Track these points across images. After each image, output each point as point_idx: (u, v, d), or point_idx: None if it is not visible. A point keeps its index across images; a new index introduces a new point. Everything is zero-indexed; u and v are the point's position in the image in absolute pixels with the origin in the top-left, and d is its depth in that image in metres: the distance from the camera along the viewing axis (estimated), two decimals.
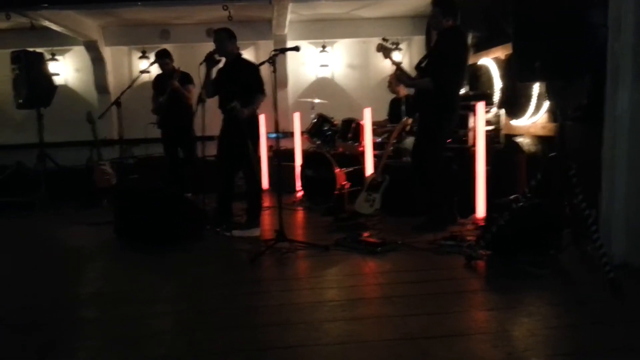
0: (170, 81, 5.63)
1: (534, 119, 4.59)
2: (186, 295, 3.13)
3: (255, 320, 2.63)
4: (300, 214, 5.41)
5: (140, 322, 2.68)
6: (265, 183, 6.88)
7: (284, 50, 4.12)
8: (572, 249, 3.34)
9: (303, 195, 5.94)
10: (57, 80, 7.34)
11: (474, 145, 4.62)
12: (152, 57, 6.06)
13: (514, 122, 4.86)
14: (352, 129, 5.58)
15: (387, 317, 2.62)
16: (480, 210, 4.47)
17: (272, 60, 3.86)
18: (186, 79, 5.78)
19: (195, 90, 5.61)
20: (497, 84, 5.16)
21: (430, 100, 4.14)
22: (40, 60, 6.38)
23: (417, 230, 4.19)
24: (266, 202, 5.85)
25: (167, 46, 7.86)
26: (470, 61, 6.12)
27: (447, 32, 4.15)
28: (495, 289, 3.01)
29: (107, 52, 8.20)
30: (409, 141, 5.20)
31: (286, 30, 7.62)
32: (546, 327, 2.41)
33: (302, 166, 5.94)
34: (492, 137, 4.98)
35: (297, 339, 2.37)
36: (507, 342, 2.28)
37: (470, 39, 6.30)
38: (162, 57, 5.85)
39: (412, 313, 2.62)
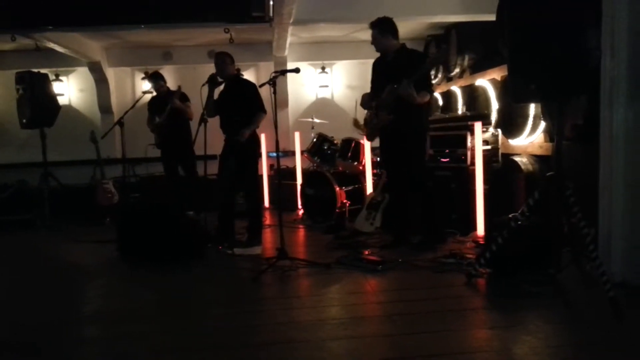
0: (172, 100, 5.71)
1: (531, 139, 4.65)
2: (187, 313, 3.13)
3: (257, 338, 2.63)
4: (301, 232, 5.44)
5: (141, 341, 2.69)
6: (266, 201, 6.93)
7: (284, 71, 4.20)
8: (571, 268, 3.36)
9: (304, 214, 5.98)
10: (61, 100, 7.42)
11: (472, 164, 4.68)
12: (151, 79, 6.17)
13: (512, 142, 4.92)
14: (352, 148, 5.65)
15: (389, 335, 2.63)
16: (480, 228, 4.50)
17: (272, 82, 3.93)
18: (183, 97, 5.88)
19: (194, 109, 5.71)
20: (494, 105, 5.23)
21: (409, 119, 4.15)
22: (44, 81, 6.47)
23: (417, 249, 4.21)
24: (267, 220, 5.89)
25: (169, 67, 8.05)
26: (467, 82, 6.24)
27: (406, 50, 4.23)
28: (495, 308, 3.02)
29: (111, 73, 8.31)
30: None
31: (286, 52, 7.74)
32: (547, 345, 2.41)
33: (303, 185, 6.00)
34: (490, 157, 5.03)
35: (299, 358, 2.38)
36: None
37: (467, 61, 6.42)
38: (157, 80, 5.96)
39: (413, 331, 2.63)
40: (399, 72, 4.02)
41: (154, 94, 6.20)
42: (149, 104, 6.15)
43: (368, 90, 4.60)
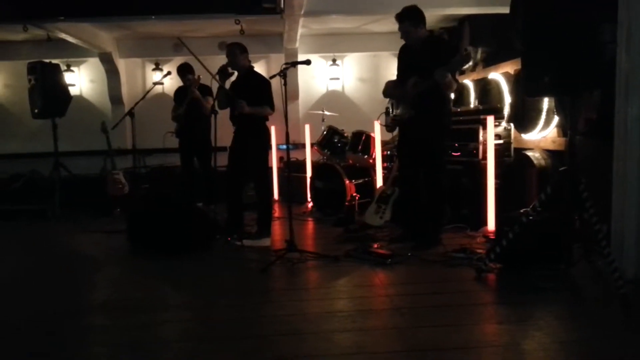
0: (191, 90, 5.71)
1: (544, 133, 4.60)
2: (196, 304, 3.16)
3: (265, 330, 2.64)
4: (310, 225, 5.44)
5: (149, 330, 2.71)
6: (275, 194, 6.93)
7: (295, 63, 4.18)
8: (582, 264, 3.34)
9: (313, 206, 5.98)
10: (72, 90, 7.45)
11: (484, 158, 4.64)
12: (166, 70, 6.18)
13: (524, 136, 4.88)
14: (362, 141, 5.63)
15: (397, 328, 2.62)
16: (491, 223, 4.47)
17: (283, 73, 3.92)
18: (205, 90, 5.87)
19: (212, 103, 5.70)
20: (507, 99, 5.18)
21: (430, 114, 4.02)
22: (56, 71, 6.50)
23: (418, 250, 4.05)
24: (277, 212, 5.90)
25: (179, 59, 8.05)
26: (480, 75, 6.17)
27: (435, 39, 4.11)
28: (505, 302, 3.00)
29: (121, 63, 8.34)
30: None
31: (297, 44, 7.71)
32: (556, 341, 2.40)
33: (312, 177, 5.99)
34: (503, 151, 4.99)
35: (306, 350, 2.39)
36: (518, 356, 2.28)
37: (479, 54, 6.35)
38: (184, 74, 5.93)
39: (421, 325, 2.63)
40: (426, 63, 3.85)
41: (164, 84, 6.20)
42: (175, 94, 6.16)
43: (378, 82, 4.55)
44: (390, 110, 4.38)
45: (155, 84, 7.14)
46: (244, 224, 4.71)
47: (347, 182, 5.46)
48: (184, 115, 5.77)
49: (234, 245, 4.42)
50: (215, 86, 4.58)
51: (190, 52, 4.78)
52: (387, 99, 4.48)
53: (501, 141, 5.02)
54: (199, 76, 5.83)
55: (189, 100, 5.70)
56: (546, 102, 4.47)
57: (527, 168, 4.55)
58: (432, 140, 4.11)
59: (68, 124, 6.88)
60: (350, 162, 5.88)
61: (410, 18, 4.02)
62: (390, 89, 4.36)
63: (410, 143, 4.25)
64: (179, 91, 6.08)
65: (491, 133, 4.54)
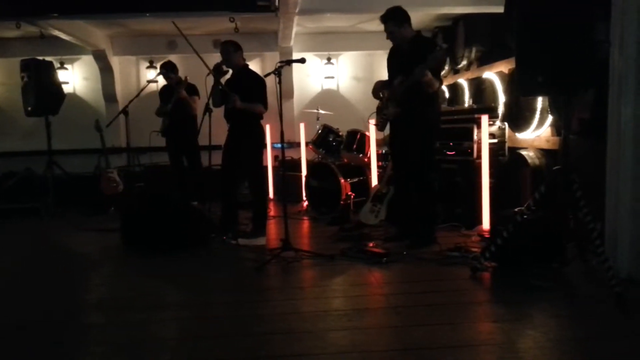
0: (177, 90, 5.71)
1: (538, 133, 4.62)
2: (191, 302, 3.15)
3: (260, 328, 2.64)
4: (305, 224, 5.44)
5: (145, 329, 2.71)
6: (270, 192, 6.93)
7: (289, 61, 4.17)
8: (576, 262, 3.36)
9: (308, 205, 5.98)
10: (66, 88, 7.41)
11: (478, 157, 4.65)
12: (159, 67, 6.17)
13: (519, 135, 4.90)
14: (357, 140, 5.64)
15: (392, 327, 2.63)
16: (485, 222, 4.49)
17: (277, 72, 3.91)
18: (192, 90, 5.86)
19: (199, 102, 5.71)
20: (501, 98, 5.20)
21: (416, 112, 4.04)
22: (49, 69, 6.47)
23: (413, 248, 4.06)
24: (272, 211, 5.90)
25: (174, 57, 8.04)
26: (474, 75, 6.19)
27: (420, 39, 4.14)
28: (500, 301, 3.01)
29: (115, 61, 8.30)
30: None
31: (292, 43, 7.70)
32: (551, 339, 2.41)
33: (307, 176, 5.99)
34: (497, 150, 5.01)
35: (301, 348, 2.38)
36: (513, 354, 2.29)
37: (474, 53, 6.36)
38: (167, 72, 5.94)
39: (417, 324, 2.63)
40: (413, 62, 3.86)
41: (159, 82, 6.20)
42: (160, 93, 6.16)
43: (373, 81, 4.55)
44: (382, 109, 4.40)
45: (149, 82, 7.12)
46: (238, 222, 4.70)
47: (342, 180, 5.46)
48: (170, 115, 5.77)
49: (229, 244, 4.41)
50: (209, 83, 4.57)
51: (187, 41, 4.77)
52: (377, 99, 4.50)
53: (495, 140, 5.04)
54: (186, 77, 5.84)
55: (175, 99, 5.70)
56: (540, 102, 4.49)
57: (522, 167, 4.57)
58: (419, 139, 4.11)
59: (62, 122, 6.85)
60: (345, 160, 5.88)
61: (393, 18, 4.05)
62: (377, 89, 4.37)
63: (399, 142, 4.27)
64: (163, 90, 6.08)
65: (485, 132, 4.56)
